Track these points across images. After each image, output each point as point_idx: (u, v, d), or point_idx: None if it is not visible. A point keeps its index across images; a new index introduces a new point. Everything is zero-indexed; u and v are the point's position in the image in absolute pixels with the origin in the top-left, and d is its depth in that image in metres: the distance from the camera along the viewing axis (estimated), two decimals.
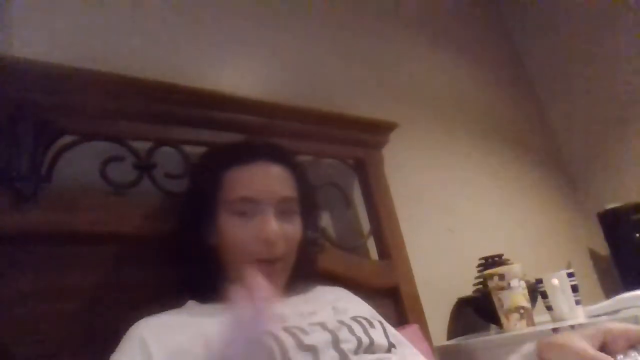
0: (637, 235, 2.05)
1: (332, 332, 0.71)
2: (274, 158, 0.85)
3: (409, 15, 2.01)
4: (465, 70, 2.19)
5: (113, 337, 0.72)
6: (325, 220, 1.32)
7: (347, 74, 1.62)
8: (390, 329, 0.87)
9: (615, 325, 0.58)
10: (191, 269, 0.84)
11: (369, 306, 0.92)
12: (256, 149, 0.86)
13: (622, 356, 0.55)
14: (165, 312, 0.76)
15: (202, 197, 0.82)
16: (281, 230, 0.79)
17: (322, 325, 0.72)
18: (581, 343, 0.56)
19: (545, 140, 2.50)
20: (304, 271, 0.88)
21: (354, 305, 0.87)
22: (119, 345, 0.70)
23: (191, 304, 0.80)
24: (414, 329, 1.18)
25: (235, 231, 0.79)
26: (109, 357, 0.69)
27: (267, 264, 0.79)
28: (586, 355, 0.54)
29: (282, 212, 0.81)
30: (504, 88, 2.39)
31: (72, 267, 0.83)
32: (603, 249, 2.28)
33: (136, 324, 0.72)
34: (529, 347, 0.65)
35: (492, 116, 2.20)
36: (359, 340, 0.72)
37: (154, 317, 0.74)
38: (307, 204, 0.88)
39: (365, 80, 1.68)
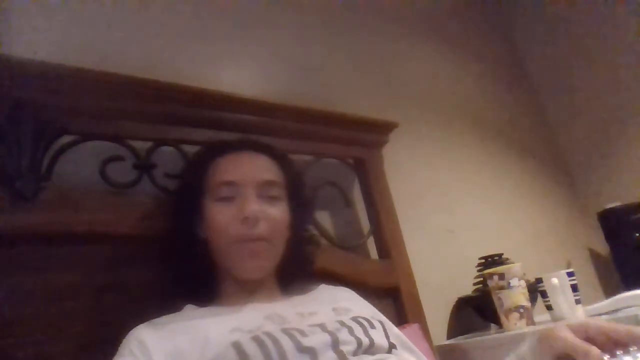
0: (637, 235, 2.04)
1: (332, 334, 0.71)
2: (257, 149, 0.88)
3: (409, 15, 2.01)
4: (466, 71, 2.19)
5: (113, 337, 0.72)
6: (325, 220, 1.32)
7: (347, 73, 1.63)
8: (392, 330, 0.87)
9: (595, 322, 0.59)
10: (186, 269, 0.84)
11: (372, 307, 0.92)
12: (241, 142, 0.89)
13: (608, 357, 0.55)
14: (164, 316, 0.76)
15: (190, 190, 0.84)
16: (261, 209, 0.80)
17: (322, 327, 0.72)
18: (566, 332, 0.58)
19: (545, 140, 2.50)
20: (300, 269, 0.88)
21: (355, 306, 0.86)
22: (119, 350, 0.70)
23: (189, 307, 0.80)
24: (414, 328, 1.18)
25: (217, 215, 0.80)
26: (109, 357, 0.69)
27: (249, 242, 0.79)
28: (567, 342, 0.57)
29: (265, 196, 0.82)
30: (504, 88, 2.39)
31: (72, 267, 0.83)
32: (603, 249, 2.28)
33: (134, 328, 0.72)
34: (525, 345, 0.65)
35: (492, 116, 2.20)
36: (359, 342, 0.72)
37: (151, 322, 0.74)
38: (295, 193, 0.89)
39: (365, 80, 1.68)
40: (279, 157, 0.89)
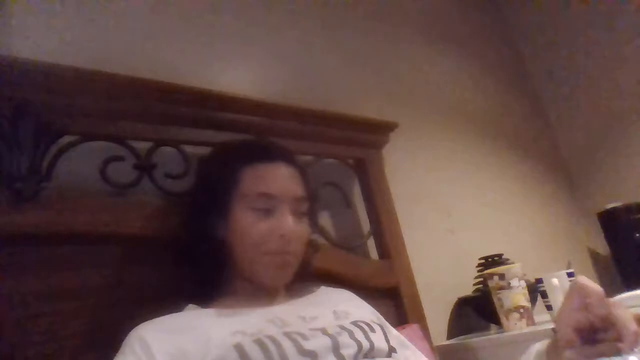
0: (637, 235, 2.04)
1: (333, 337, 0.71)
2: (289, 160, 0.87)
3: (409, 16, 2.01)
4: (466, 71, 2.19)
5: (113, 337, 0.72)
6: (325, 220, 1.32)
7: (347, 74, 1.62)
8: (392, 332, 0.87)
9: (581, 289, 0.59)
10: (196, 267, 0.84)
11: (371, 308, 0.92)
12: (274, 149, 0.88)
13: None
14: (165, 315, 0.76)
15: (217, 191, 0.82)
16: (296, 229, 0.81)
17: (323, 331, 0.73)
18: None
19: (545, 140, 2.50)
20: (301, 272, 0.88)
21: (355, 309, 0.87)
22: (121, 349, 0.70)
23: (191, 307, 0.81)
24: (414, 328, 1.18)
25: (251, 226, 0.80)
26: (109, 357, 0.69)
27: (279, 254, 0.80)
28: None
29: (295, 212, 0.83)
30: (504, 88, 2.39)
31: (72, 267, 0.83)
32: (603, 249, 2.28)
33: (136, 327, 0.72)
34: (538, 347, 0.66)
35: (492, 116, 2.20)
36: (359, 345, 0.72)
37: (154, 320, 0.74)
38: (311, 205, 0.89)
39: (365, 80, 1.68)
40: (303, 170, 0.90)
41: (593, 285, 0.59)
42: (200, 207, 0.85)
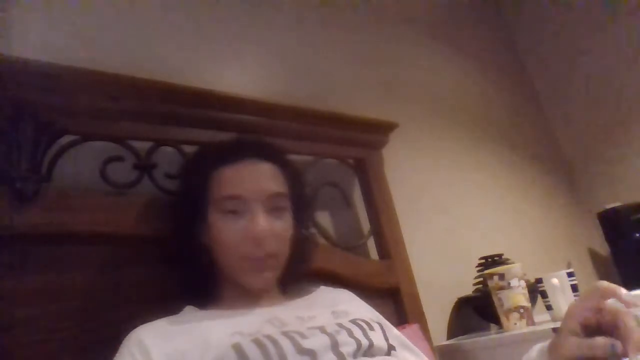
0: (637, 235, 2.04)
1: (331, 336, 0.71)
2: (262, 155, 0.84)
3: (409, 15, 2.01)
4: (466, 71, 2.19)
5: (113, 338, 0.72)
6: (325, 220, 1.32)
7: (347, 74, 1.63)
8: (392, 331, 0.87)
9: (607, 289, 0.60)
10: (187, 272, 0.84)
11: (371, 309, 0.92)
12: (244, 147, 0.85)
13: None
14: (163, 318, 0.76)
15: (192, 197, 0.82)
16: (270, 227, 0.79)
17: (321, 329, 0.72)
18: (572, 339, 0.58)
19: (545, 141, 2.50)
20: (298, 269, 0.88)
21: (354, 308, 0.87)
22: (119, 350, 0.70)
23: (189, 309, 0.81)
24: (414, 328, 1.18)
25: (224, 230, 0.79)
26: (109, 357, 0.69)
27: (256, 260, 0.79)
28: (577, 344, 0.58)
29: (272, 209, 0.81)
30: (504, 88, 2.39)
31: (72, 267, 0.83)
32: (603, 249, 2.28)
33: (134, 330, 0.72)
34: (539, 346, 0.66)
35: (492, 116, 2.20)
36: (358, 343, 0.72)
37: (152, 323, 0.74)
38: (298, 200, 0.88)
39: (365, 80, 1.68)
40: (282, 162, 0.87)
41: (614, 287, 0.61)
42: (181, 213, 0.84)
